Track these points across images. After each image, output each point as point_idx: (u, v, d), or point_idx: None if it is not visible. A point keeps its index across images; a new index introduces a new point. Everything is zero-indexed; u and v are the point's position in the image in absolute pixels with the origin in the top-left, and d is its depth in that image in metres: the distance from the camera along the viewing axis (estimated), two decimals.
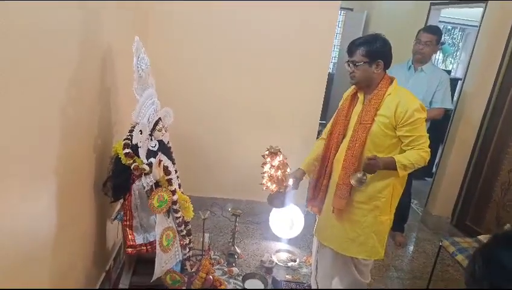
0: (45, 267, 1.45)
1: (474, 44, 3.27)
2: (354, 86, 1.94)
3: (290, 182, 2.05)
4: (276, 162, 2.03)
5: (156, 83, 1.96)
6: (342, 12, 6.35)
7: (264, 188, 2.07)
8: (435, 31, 2.95)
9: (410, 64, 3.04)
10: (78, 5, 1.52)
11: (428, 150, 1.79)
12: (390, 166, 1.75)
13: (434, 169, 3.92)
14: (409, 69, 3.04)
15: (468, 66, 3.34)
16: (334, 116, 2.03)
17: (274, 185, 2.04)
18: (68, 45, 1.47)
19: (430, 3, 4.08)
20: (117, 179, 1.86)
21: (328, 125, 2.09)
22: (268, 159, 2.04)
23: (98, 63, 1.83)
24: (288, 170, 2.06)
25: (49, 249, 1.46)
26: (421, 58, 2.97)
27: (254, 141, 3.10)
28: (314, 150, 2.14)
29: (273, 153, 2.04)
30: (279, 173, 2.03)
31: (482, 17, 3.20)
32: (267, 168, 2.05)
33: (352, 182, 1.76)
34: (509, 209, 2.94)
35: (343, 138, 1.93)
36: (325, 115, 5.73)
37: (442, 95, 2.91)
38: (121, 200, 1.95)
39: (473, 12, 4.54)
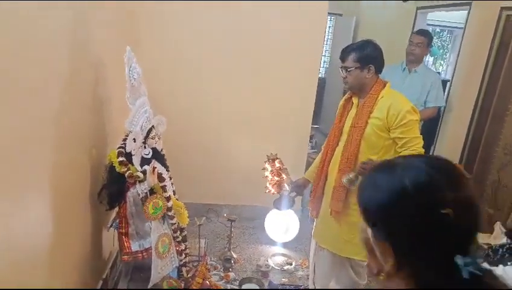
0: (41, 276, 1.46)
1: (460, 45, 3.35)
2: (349, 92, 2.00)
3: (287, 187, 2.17)
4: (271, 168, 2.18)
5: (148, 90, 1.99)
6: (332, 17, 6.43)
7: (267, 191, 2.20)
8: (425, 34, 3.15)
9: (405, 66, 3.19)
10: (68, 8, 1.55)
11: (422, 151, 1.83)
12: None
13: None
14: (403, 71, 3.19)
15: (455, 67, 3.42)
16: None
17: (273, 189, 2.18)
18: (59, 55, 1.50)
19: (416, 7, 4.16)
20: (112, 187, 1.89)
21: None
22: (267, 166, 2.19)
23: (90, 72, 1.87)
24: (284, 176, 2.19)
25: (45, 258, 1.47)
26: (413, 59, 3.13)
27: (247, 146, 3.15)
28: (319, 157, 2.23)
29: (272, 160, 2.17)
30: (277, 178, 2.18)
31: (467, 19, 3.28)
32: (267, 173, 2.19)
33: (344, 181, 1.80)
34: (500, 208, 2.99)
35: (338, 141, 1.98)
36: (317, 119, 5.80)
37: (436, 94, 3.08)
38: (117, 208, 1.97)
39: (459, 15, 4.63)
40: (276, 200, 2.40)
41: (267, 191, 2.26)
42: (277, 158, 2.25)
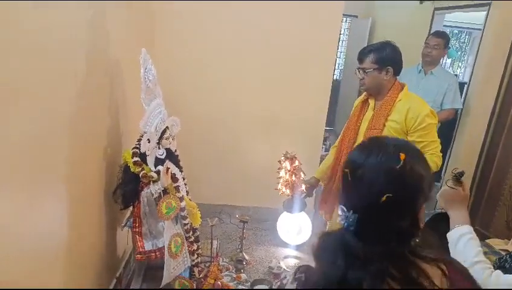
0: (56, 273, 1.49)
1: (479, 47, 3.29)
2: (365, 93, 1.97)
3: (303, 187, 2.11)
4: (289, 167, 2.12)
5: (163, 91, 2.01)
6: (348, 19, 6.40)
7: (280, 193, 2.15)
8: (442, 35, 3.13)
9: (421, 68, 3.17)
10: (87, 9, 1.58)
11: (440, 155, 1.80)
12: None
13: (443, 174, 3.90)
14: (419, 73, 3.17)
15: (473, 69, 3.36)
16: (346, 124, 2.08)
17: (288, 190, 2.12)
18: (76, 55, 1.53)
19: (434, 8, 4.10)
20: (126, 187, 1.91)
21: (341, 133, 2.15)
22: (284, 164, 2.13)
23: (106, 73, 1.90)
24: (302, 175, 2.13)
25: (61, 256, 1.50)
26: (429, 61, 3.11)
27: (261, 147, 3.15)
28: (328, 157, 2.20)
29: (289, 159, 2.12)
30: (293, 178, 2.12)
31: (485, 20, 3.22)
32: (282, 173, 2.13)
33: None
34: None
35: (354, 143, 1.96)
36: (331, 121, 5.77)
37: (452, 96, 3.04)
38: (131, 208, 2.00)
39: (478, 16, 4.54)
40: (286, 202, 2.28)
41: (280, 193, 2.22)
42: (295, 157, 2.19)
